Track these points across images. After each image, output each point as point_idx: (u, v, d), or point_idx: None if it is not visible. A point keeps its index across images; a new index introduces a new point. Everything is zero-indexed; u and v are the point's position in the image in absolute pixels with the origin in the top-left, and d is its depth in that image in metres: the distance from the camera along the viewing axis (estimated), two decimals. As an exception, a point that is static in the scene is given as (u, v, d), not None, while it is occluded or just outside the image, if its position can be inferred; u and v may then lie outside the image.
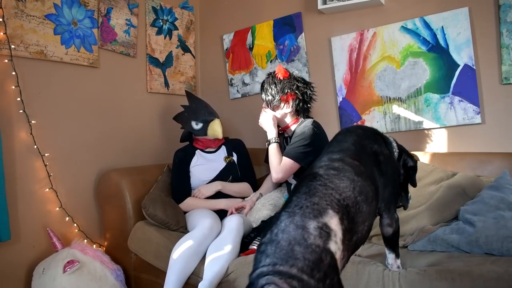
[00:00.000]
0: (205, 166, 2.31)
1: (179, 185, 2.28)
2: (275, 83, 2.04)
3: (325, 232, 1.02)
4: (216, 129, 2.29)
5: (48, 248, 2.09)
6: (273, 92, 2.04)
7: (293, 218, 1.04)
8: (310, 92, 2.11)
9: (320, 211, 1.07)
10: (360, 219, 1.16)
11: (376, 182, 1.27)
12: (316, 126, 2.01)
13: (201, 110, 2.34)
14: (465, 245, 1.53)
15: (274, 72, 2.09)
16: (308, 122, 2.02)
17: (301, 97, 2.06)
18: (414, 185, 1.54)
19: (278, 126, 2.15)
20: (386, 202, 1.34)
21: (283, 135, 2.21)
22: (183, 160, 2.33)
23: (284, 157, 1.99)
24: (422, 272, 1.38)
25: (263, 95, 2.10)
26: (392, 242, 1.42)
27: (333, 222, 1.06)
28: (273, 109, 2.08)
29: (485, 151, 2.11)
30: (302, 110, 2.11)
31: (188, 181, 2.30)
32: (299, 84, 2.06)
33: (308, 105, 2.13)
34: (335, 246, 1.03)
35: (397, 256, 1.45)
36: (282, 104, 2.05)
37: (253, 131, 2.91)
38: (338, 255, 1.03)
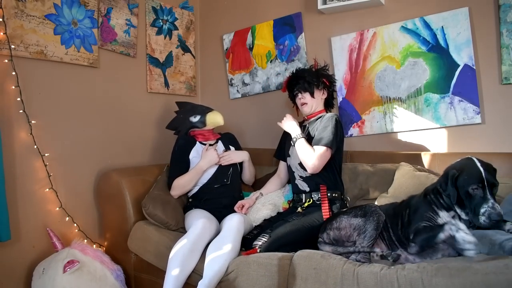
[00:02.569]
0: None
1: (176, 174, 2.29)
2: (312, 71, 2.21)
3: None
4: (215, 117, 2.36)
5: (48, 248, 2.09)
6: (314, 78, 2.16)
7: None
8: (335, 83, 2.31)
9: None
10: None
11: (401, 209, 1.74)
12: (339, 118, 2.13)
13: (197, 107, 2.42)
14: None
15: (303, 67, 2.36)
16: (332, 114, 2.14)
17: (330, 86, 2.24)
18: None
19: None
20: (410, 231, 1.63)
21: (302, 123, 2.27)
22: (182, 148, 2.34)
23: (318, 146, 2.02)
24: (420, 269, 1.38)
25: (305, 84, 2.17)
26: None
27: None
28: (314, 95, 2.17)
29: (485, 151, 2.10)
30: (329, 101, 2.28)
31: (185, 170, 2.30)
32: (328, 73, 2.25)
33: (334, 97, 2.32)
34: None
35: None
36: (321, 88, 2.19)
37: (253, 131, 2.91)
38: None
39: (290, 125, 2.16)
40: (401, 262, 1.57)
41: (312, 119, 2.20)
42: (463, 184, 1.53)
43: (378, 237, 1.71)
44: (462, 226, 1.47)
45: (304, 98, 2.18)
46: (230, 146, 2.44)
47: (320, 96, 2.20)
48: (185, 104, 2.50)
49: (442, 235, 1.50)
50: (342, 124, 2.17)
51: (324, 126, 2.06)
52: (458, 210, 1.59)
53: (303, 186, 2.13)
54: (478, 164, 1.55)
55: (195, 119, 2.35)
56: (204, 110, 2.38)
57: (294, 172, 2.18)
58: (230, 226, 1.90)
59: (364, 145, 2.49)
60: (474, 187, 1.51)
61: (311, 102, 2.17)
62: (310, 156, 2.01)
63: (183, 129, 2.40)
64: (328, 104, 2.29)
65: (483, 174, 1.51)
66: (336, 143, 2.04)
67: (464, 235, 1.44)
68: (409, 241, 1.61)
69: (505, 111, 2.10)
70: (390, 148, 2.41)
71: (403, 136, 2.38)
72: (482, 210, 1.48)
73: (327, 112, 2.25)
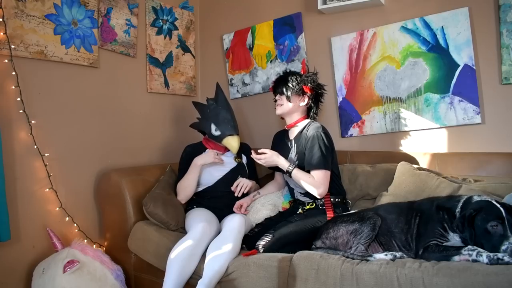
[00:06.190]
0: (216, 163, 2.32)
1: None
2: (296, 76, 2.15)
3: None
4: (233, 144, 2.29)
5: (48, 248, 2.09)
6: (294, 83, 2.12)
7: None
8: (323, 92, 2.21)
9: None
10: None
11: (408, 212, 1.74)
12: (325, 129, 2.08)
13: (225, 120, 2.31)
14: None
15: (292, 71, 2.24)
16: (317, 127, 2.06)
17: (315, 94, 2.16)
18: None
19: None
20: (420, 246, 1.62)
21: (287, 136, 2.22)
22: (191, 156, 2.33)
23: (314, 171, 1.99)
24: (421, 268, 1.38)
25: (283, 87, 2.13)
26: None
27: None
28: (290, 99, 2.12)
29: (485, 151, 2.11)
30: (312, 110, 2.18)
31: None
32: (315, 81, 2.17)
33: (319, 106, 2.22)
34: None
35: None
36: (301, 95, 2.13)
37: (253, 131, 2.91)
38: None
39: (272, 159, 2.06)
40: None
41: (295, 130, 2.16)
42: (482, 222, 1.47)
43: (374, 241, 1.70)
44: (482, 250, 1.41)
45: (280, 99, 2.16)
46: (242, 155, 2.42)
47: (298, 102, 2.13)
48: (221, 101, 2.38)
49: (457, 258, 1.44)
50: (335, 129, 2.13)
51: (311, 146, 2.01)
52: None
53: (306, 199, 2.12)
54: (497, 204, 1.49)
55: (216, 132, 2.29)
56: (226, 131, 2.28)
57: (293, 189, 2.17)
58: (231, 226, 1.91)
59: (364, 145, 2.49)
60: (494, 224, 1.45)
61: (286, 106, 2.13)
62: (313, 185, 1.97)
63: (201, 124, 2.39)
64: (311, 112, 2.19)
65: (503, 213, 1.46)
66: (329, 161, 2.00)
67: (489, 254, 1.38)
68: (417, 256, 1.58)
69: (505, 111, 2.10)
70: (390, 148, 2.41)
71: (403, 136, 2.38)
72: (503, 247, 1.39)
73: (309, 120, 2.17)
